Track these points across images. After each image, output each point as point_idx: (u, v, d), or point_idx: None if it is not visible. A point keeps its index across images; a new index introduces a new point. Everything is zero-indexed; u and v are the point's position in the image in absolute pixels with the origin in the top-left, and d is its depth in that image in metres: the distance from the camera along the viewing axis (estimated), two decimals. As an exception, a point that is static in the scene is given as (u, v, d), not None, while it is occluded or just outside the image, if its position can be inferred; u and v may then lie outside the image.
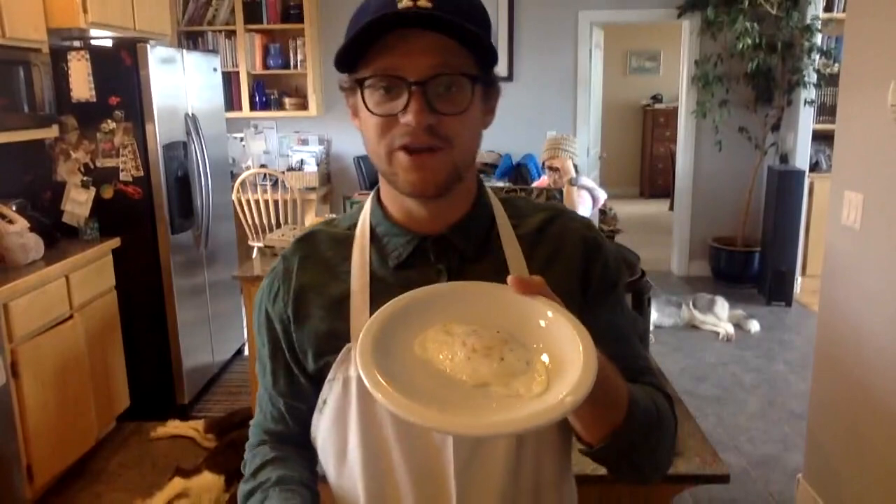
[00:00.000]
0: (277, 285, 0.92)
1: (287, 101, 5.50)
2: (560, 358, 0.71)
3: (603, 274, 0.91)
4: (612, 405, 0.79)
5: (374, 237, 0.91)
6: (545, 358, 0.72)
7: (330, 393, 0.88)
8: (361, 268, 0.89)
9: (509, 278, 0.75)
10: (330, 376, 0.88)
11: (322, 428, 0.91)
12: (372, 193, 0.94)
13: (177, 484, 2.74)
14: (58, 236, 3.19)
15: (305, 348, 0.90)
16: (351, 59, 0.82)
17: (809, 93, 5.00)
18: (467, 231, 0.89)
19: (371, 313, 0.85)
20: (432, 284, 0.82)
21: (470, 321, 0.75)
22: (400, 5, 0.77)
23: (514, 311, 0.75)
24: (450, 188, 0.83)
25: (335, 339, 0.87)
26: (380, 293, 0.86)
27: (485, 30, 0.82)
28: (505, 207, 0.93)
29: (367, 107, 0.81)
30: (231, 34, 5.33)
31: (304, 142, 5.57)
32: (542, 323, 0.75)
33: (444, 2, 0.77)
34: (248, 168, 5.13)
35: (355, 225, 0.93)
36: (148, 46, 3.24)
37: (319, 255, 0.92)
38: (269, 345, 0.94)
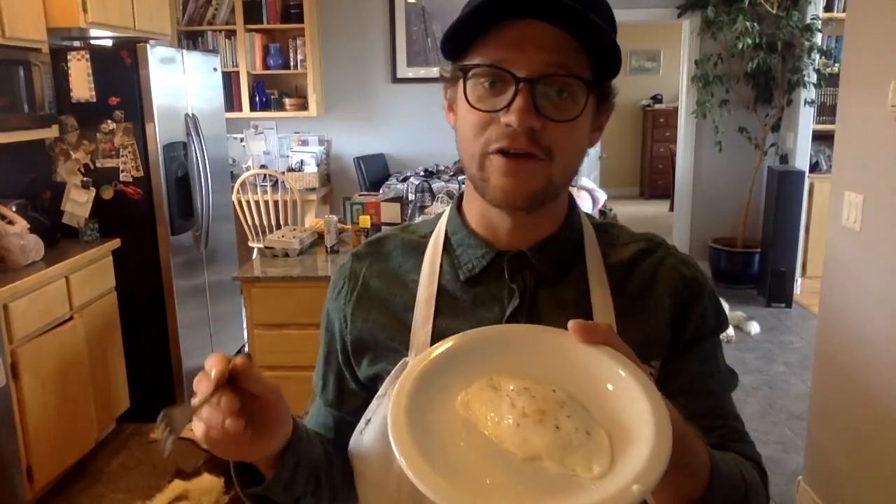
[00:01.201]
0: (342, 283, 0.88)
1: (287, 101, 5.50)
2: (626, 428, 0.61)
3: (701, 320, 0.82)
4: (689, 475, 0.67)
5: (448, 246, 0.84)
6: (608, 427, 0.62)
7: (376, 412, 0.81)
8: (430, 277, 0.83)
9: (570, 323, 0.64)
10: (381, 392, 0.82)
11: (363, 451, 0.82)
12: (453, 200, 0.88)
13: (177, 486, 2.73)
14: (58, 237, 3.19)
15: (360, 350, 0.85)
16: (459, 44, 0.75)
17: (809, 93, 4.99)
18: (550, 252, 0.81)
19: (434, 326, 0.79)
20: (481, 327, 0.73)
21: (521, 374, 0.65)
22: None
23: (575, 365, 0.65)
24: (541, 204, 0.76)
25: (393, 350, 0.82)
26: (446, 307, 0.81)
27: (611, 27, 0.73)
28: (598, 234, 0.85)
29: (467, 100, 0.74)
30: (231, 34, 5.32)
31: (304, 142, 5.57)
32: (608, 383, 0.64)
33: None
34: (248, 168, 5.13)
35: (431, 233, 0.87)
36: (148, 46, 3.23)
37: (390, 259, 0.87)
38: (324, 347, 0.91)
